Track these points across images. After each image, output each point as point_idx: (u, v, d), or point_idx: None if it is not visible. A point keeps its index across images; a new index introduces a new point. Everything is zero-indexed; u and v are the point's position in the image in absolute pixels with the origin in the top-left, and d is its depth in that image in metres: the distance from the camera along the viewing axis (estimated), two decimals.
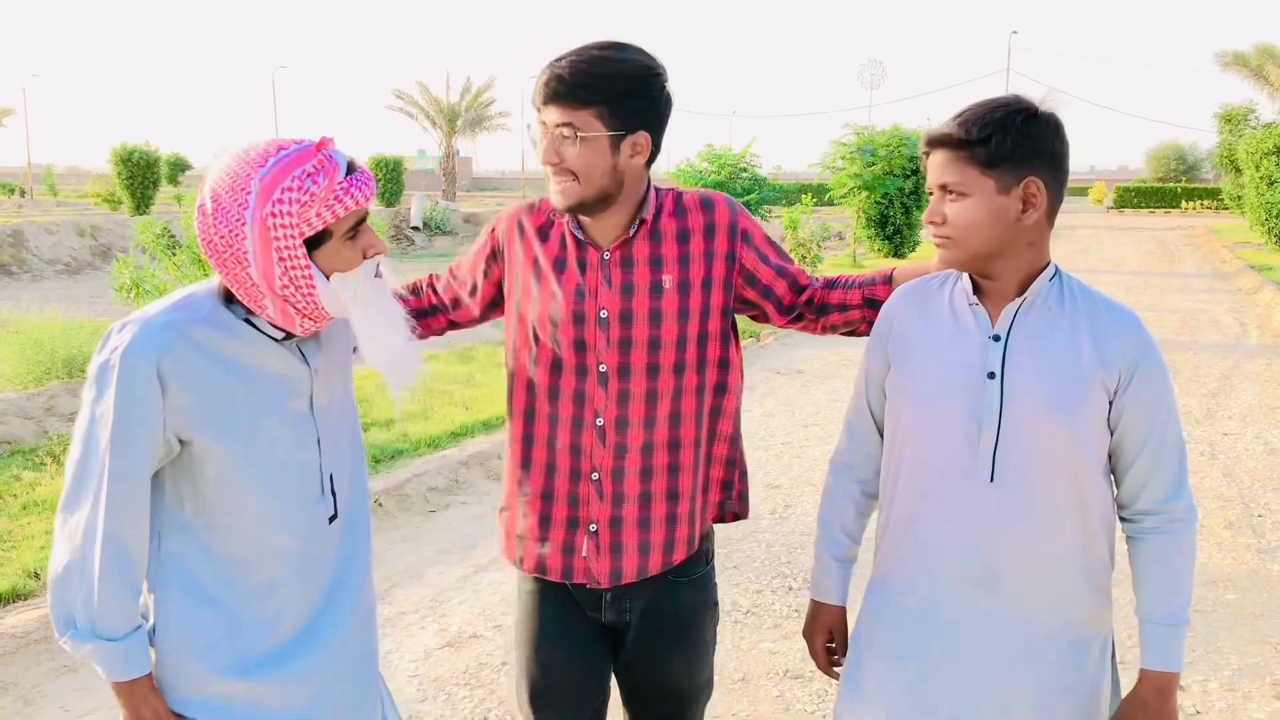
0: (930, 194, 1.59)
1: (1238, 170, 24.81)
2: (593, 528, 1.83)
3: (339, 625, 1.64)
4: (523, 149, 69.55)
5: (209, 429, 1.48)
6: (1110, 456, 1.60)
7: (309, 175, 1.43)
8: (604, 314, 1.78)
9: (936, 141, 1.55)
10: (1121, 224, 36.01)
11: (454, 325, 2.02)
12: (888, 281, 1.88)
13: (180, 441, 1.49)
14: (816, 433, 6.60)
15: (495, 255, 1.92)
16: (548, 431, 1.83)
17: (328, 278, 1.50)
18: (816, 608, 1.84)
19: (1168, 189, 50.92)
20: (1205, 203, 47.16)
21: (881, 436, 1.75)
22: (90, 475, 1.44)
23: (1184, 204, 48.53)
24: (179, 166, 45.43)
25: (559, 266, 1.81)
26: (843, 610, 1.83)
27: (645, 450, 1.82)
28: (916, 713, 1.62)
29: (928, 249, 17.56)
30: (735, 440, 1.95)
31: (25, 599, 3.78)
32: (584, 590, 1.88)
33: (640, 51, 1.73)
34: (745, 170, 13.97)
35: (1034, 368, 1.54)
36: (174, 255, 6.63)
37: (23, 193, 48.32)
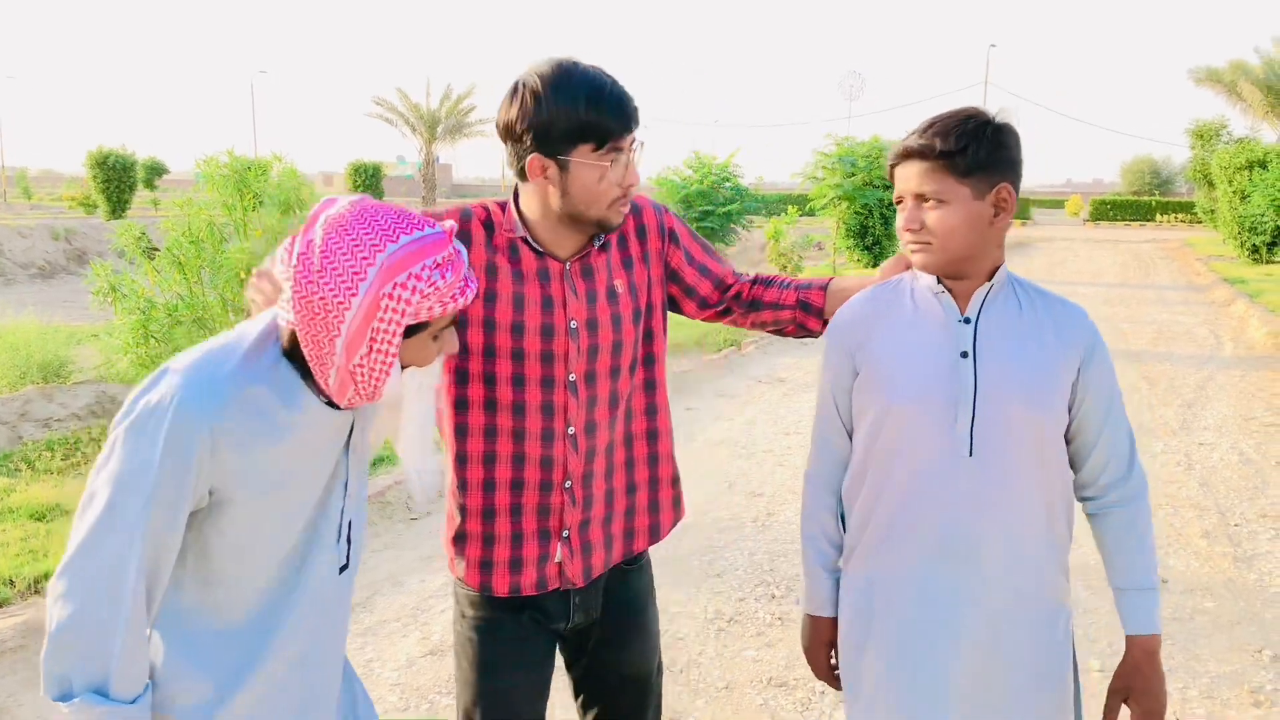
0: (899, 202, 1.67)
1: (1210, 184, 25.17)
2: (565, 534, 1.83)
3: (328, 684, 1.58)
4: (502, 157, 69.31)
5: (244, 487, 1.39)
6: (1069, 440, 1.69)
7: (438, 267, 1.35)
8: (574, 324, 1.79)
9: (915, 153, 1.62)
10: (1098, 236, 36.37)
11: None
12: (823, 289, 1.97)
13: (209, 493, 1.39)
14: (799, 440, 6.62)
15: None
16: (513, 448, 1.80)
17: (403, 368, 1.42)
18: (815, 623, 1.83)
19: (1142, 202, 51.50)
20: (1179, 216, 47.75)
21: (852, 443, 1.79)
22: (120, 525, 1.32)
23: (1158, 217, 49.12)
24: (155, 170, 45.10)
25: (518, 279, 1.77)
26: (836, 620, 1.84)
27: (609, 450, 1.87)
28: (923, 703, 1.65)
29: None
30: (672, 436, 2.00)
31: (1, 606, 3.72)
32: (554, 600, 1.87)
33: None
34: (728, 180, 14.02)
35: (1004, 348, 1.64)
36: (152, 260, 6.56)
37: None
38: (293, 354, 1.42)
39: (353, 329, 1.34)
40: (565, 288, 1.78)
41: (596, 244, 1.81)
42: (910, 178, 1.63)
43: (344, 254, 1.32)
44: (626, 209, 1.76)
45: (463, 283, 1.38)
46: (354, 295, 1.32)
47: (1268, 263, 20.61)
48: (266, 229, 5.93)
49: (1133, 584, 1.68)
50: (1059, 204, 66.74)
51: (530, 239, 1.78)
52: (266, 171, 6.15)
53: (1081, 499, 1.74)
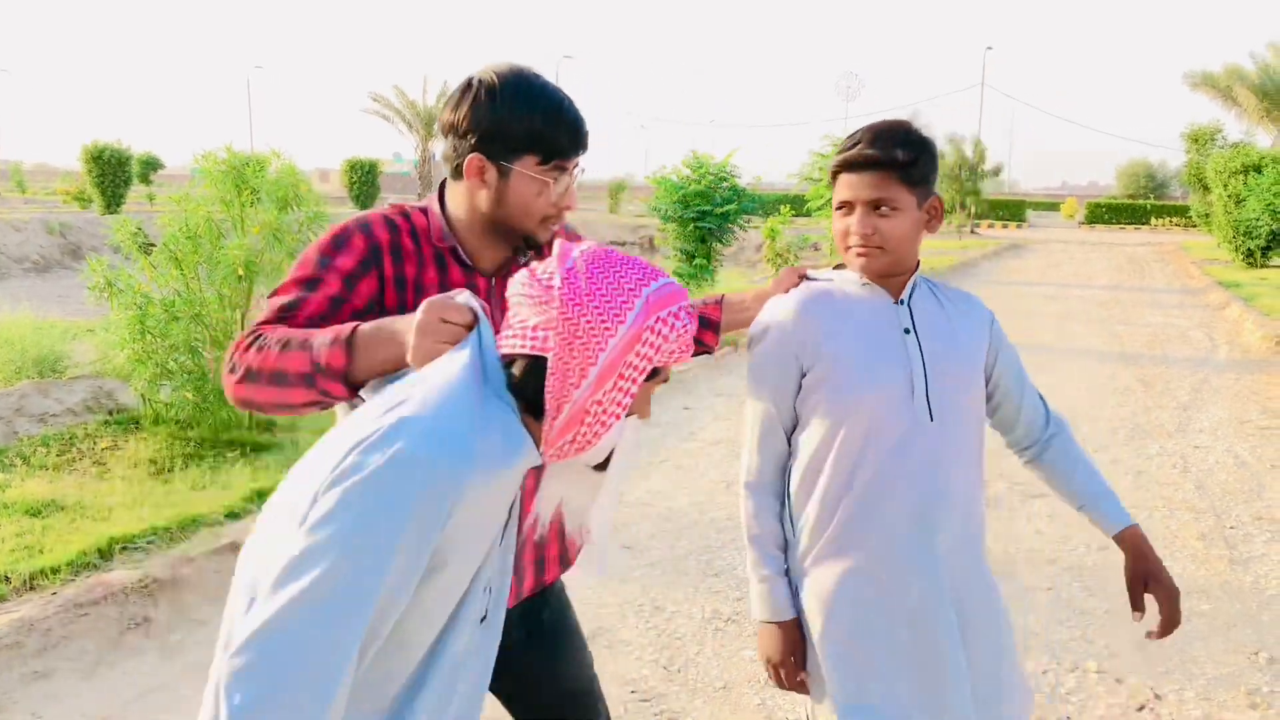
0: (840, 209, 1.77)
1: (1205, 188, 25.23)
2: None
3: None
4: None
5: (459, 548, 1.30)
6: (998, 406, 1.92)
7: (686, 312, 1.37)
8: None
9: (875, 162, 1.71)
10: (1093, 239, 36.47)
11: None
12: (718, 304, 2.04)
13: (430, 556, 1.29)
14: None
15: (368, 267, 1.68)
16: None
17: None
18: (777, 630, 1.80)
19: (1137, 205, 51.67)
20: (1174, 219, 47.91)
21: (792, 445, 1.82)
22: (344, 595, 1.18)
23: (1153, 220, 49.27)
24: (151, 165, 44.96)
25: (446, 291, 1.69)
26: (798, 621, 1.83)
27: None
28: (937, 688, 1.69)
29: None
30: None
31: None
32: None
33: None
34: (725, 180, 14.01)
35: (937, 324, 1.80)
36: (148, 255, 6.54)
37: None
38: (517, 390, 1.36)
39: (611, 357, 1.31)
40: (491, 304, 1.73)
41: (521, 259, 1.76)
42: (866, 186, 1.72)
43: (611, 283, 1.33)
44: (557, 226, 1.73)
45: (691, 336, 1.40)
46: (621, 323, 1.31)
47: (1262, 266, 20.69)
48: (264, 225, 5.91)
49: (1100, 491, 1.89)
50: (1054, 207, 66.98)
51: (459, 249, 1.72)
52: (264, 167, 6.13)
53: (1023, 450, 1.97)
